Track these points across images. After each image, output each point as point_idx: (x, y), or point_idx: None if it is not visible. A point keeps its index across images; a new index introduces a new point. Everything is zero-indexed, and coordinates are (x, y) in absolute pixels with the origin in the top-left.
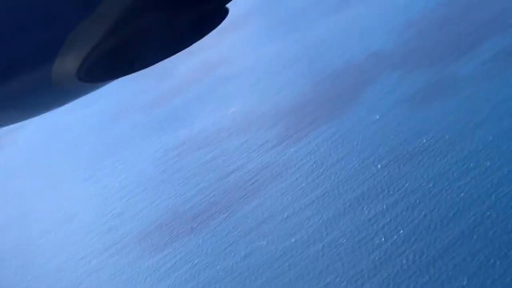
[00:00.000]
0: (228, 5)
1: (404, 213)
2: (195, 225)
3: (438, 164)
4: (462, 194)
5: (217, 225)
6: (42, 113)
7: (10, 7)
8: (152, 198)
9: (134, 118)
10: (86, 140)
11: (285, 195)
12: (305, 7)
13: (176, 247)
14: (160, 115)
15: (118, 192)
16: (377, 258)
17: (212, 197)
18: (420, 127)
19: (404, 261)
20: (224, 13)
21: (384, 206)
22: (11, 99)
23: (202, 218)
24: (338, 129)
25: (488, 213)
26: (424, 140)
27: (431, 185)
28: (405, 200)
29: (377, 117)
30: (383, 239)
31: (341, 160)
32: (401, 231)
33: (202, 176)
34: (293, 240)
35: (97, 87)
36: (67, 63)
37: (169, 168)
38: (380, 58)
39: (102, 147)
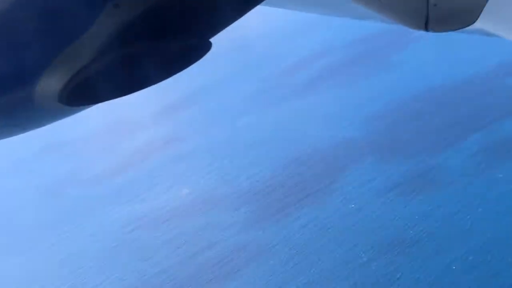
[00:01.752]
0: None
1: None
2: None
3: (432, 258)
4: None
5: None
6: (22, 132)
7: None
8: (107, 274)
9: (80, 191)
10: (29, 212)
11: (262, 279)
12: (264, 89)
13: None
14: (106, 190)
15: (64, 268)
16: None
17: (177, 277)
18: (405, 219)
19: None
20: (208, 46)
21: None
22: None
23: None
24: (314, 216)
25: None
26: (411, 232)
27: (426, 276)
28: None
29: (353, 205)
30: None
31: (322, 248)
32: None
33: (164, 254)
34: None
35: (78, 110)
36: (50, 85)
37: (124, 243)
38: (350, 146)
39: (45, 221)
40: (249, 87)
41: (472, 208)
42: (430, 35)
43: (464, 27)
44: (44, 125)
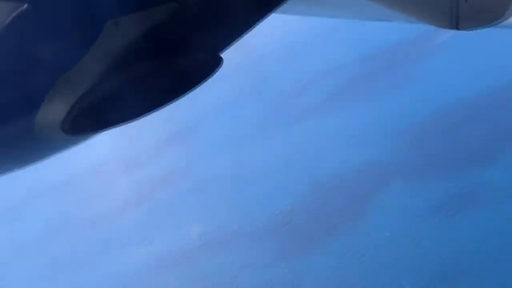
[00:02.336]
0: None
1: None
2: None
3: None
4: None
5: None
6: (24, 166)
7: None
8: None
9: (77, 237)
10: (23, 264)
11: None
12: (274, 111)
13: None
14: (105, 234)
15: None
16: None
17: None
18: (455, 244)
19: None
20: (218, 61)
21: None
22: None
23: None
24: (347, 248)
25: None
26: (465, 259)
27: None
28: None
29: (388, 234)
30: None
31: (360, 284)
32: None
33: None
34: None
35: (83, 140)
36: (52, 114)
37: None
38: (377, 168)
39: (44, 271)
40: (256, 109)
41: None
42: (453, 43)
43: (498, 22)
44: (48, 157)
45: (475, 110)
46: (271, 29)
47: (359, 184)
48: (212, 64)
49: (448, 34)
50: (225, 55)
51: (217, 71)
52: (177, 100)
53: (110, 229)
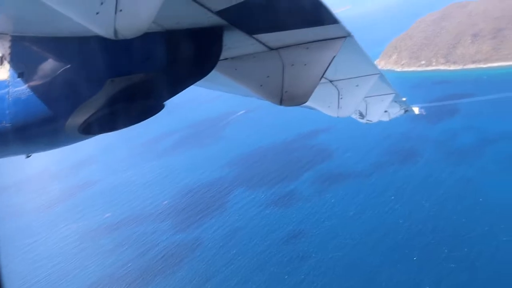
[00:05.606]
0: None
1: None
2: None
3: (310, 240)
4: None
5: None
6: (48, 150)
7: (58, 89)
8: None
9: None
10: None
11: (200, 267)
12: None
13: None
14: (49, 217)
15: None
16: None
17: (136, 268)
18: (285, 221)
19: None
20: (162, 107)
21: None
22: (32, 139)
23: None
24: (220, 224)
25: None
26: (291, 229)
27: (317, 253)
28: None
29: (237, 217)
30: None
31: (236, 244)
32: None
33: (120, 252)
34: None
35: (89, 138)
36: (74, 121)
37: (89, 247)
38: (224, 181)
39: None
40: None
41: (321, 213)
42: (244, 117)
43: (301, 104)
44: (66, 145)
45: (269, 152)
46: None
47: (217, 189)
48: (158, 108)
49: (241, 112)
50: None
51: (159, 112)
52: (133, 125)
53: (50, 214)
